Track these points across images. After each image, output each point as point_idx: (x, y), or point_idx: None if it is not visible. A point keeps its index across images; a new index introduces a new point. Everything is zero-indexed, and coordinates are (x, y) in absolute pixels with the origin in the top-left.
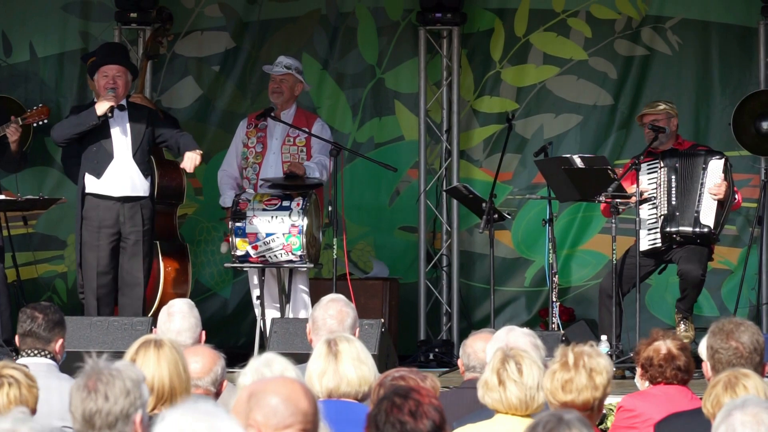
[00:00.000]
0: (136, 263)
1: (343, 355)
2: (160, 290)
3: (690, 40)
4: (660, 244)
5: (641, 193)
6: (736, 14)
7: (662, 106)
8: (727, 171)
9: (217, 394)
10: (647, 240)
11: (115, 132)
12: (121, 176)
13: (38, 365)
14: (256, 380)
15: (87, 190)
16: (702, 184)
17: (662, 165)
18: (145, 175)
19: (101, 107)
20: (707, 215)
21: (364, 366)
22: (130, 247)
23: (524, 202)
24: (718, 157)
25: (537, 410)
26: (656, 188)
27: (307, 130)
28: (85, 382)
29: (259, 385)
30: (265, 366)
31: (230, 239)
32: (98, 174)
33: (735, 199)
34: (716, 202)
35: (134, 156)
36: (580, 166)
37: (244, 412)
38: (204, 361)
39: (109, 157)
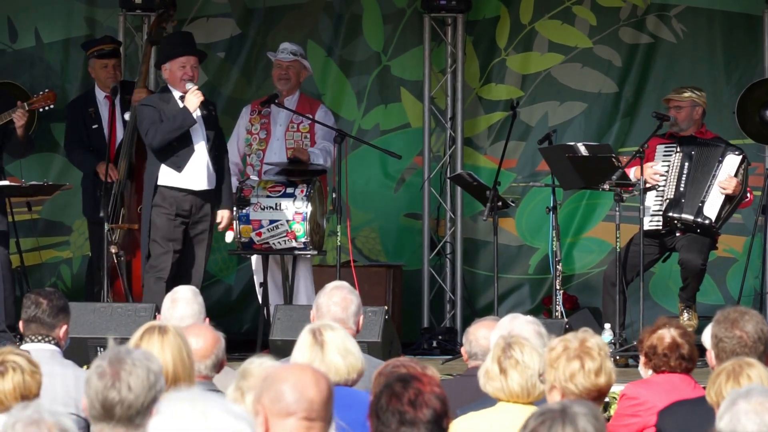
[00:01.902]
0: (201, 251)
1: (329, 345)
2: None
3: (695, 29)
4: (661, 227)
5: (645, 182)
6: (740, 2)
7: (687, 94)
8: (743, 168)
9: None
10: (648, 221)
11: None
12: (201, 169)
13: (42, 351)
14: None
15: (161, 182)
16: (714, 176)
17: (678, 150)
18: (216, 168)
19: (193, 104)
20: (711, 207)
21: (351, 354)
22: (197, 235)
23: (528, 189)
24: (737, 152)
25: (539, 397)
26: (668, 171)
27: (310, 116)
28: (108, 369)
29: (275, 370)
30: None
31: (235, 227)
32: (179, 167)
33: (747, 197)
34: (724, 197)
35: (209, 150)
36: (584, 153)
37: (257, 395)
38: (204, 345)
39: (190, 150)
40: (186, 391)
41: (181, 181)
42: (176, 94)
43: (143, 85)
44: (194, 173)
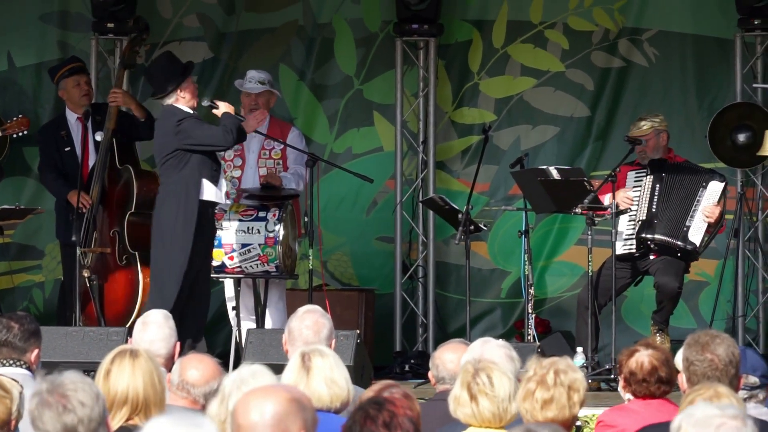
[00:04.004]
0: (209, 267)
1: (314, 371)
2: (138, 301)
3: (667, 52)
4: (634, 250)
5: (617, 206)
6: (712, 26)
7: (648, 125)
8: (724, 196)
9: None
10: (622, 246)
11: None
12: (223, 184)
13: (13, 375)
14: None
15: (205, 197)
16: (698, 201)
17: (649, 173)
18: None
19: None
20: (696, 233)
21: (336, 384)
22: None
23: (500, 213)
24: (720, 179)
25: (510, 421)
26: (639, 194)
27: (282, 141)
28: (51, 398)
29: (251, 390)
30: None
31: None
32: (217, 182)
33: (722, 224)
34: (707, 224)
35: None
36: (556, 177)
37: None
38: (204, 372)
39: (219, 165)
40: (170, 415)
41: (218, 195)
42: (189, 112)
43: (116, 109)
44: (222, 188)
